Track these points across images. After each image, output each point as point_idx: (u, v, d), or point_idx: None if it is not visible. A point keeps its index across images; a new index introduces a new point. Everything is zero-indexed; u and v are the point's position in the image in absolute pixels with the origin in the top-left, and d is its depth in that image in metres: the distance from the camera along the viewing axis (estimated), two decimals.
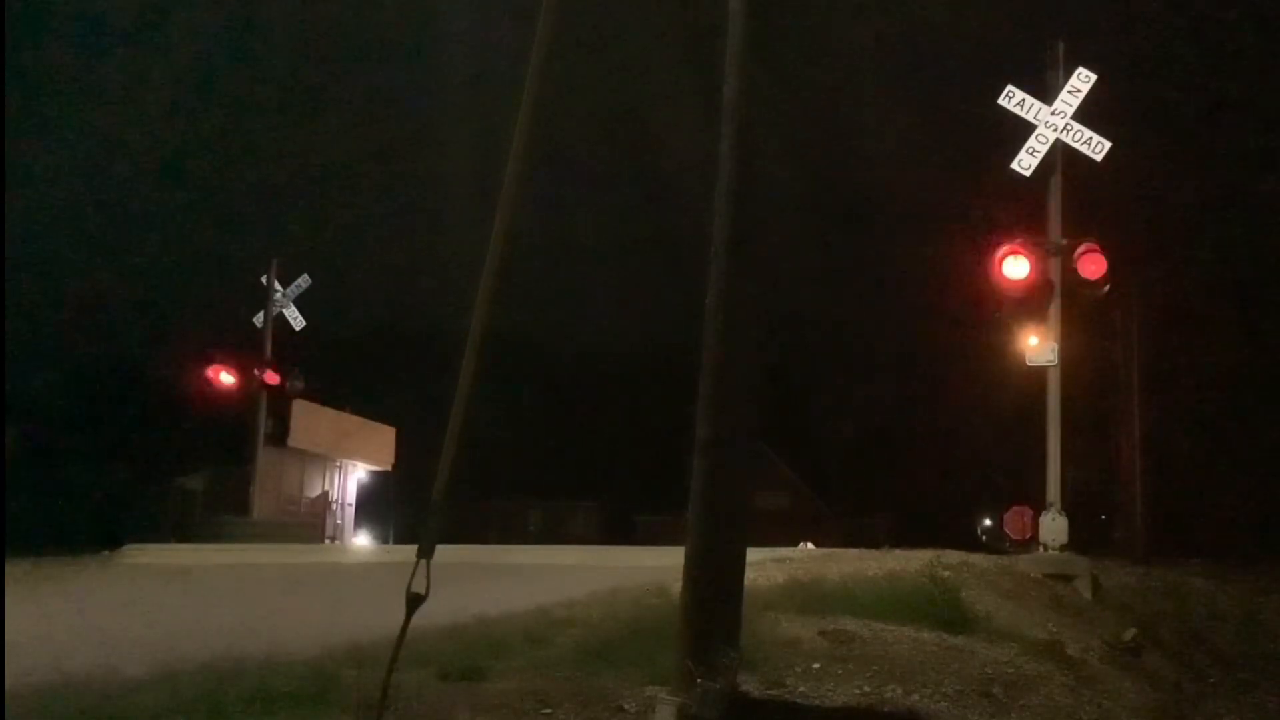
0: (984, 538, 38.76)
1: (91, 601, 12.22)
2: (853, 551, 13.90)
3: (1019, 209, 15.21)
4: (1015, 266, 13.80)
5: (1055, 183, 14.30)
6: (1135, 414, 20.11)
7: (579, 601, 8.90)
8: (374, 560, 19.10)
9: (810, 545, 16.71)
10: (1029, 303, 13.93)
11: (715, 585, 6.11)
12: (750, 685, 6.22)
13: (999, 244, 14.03)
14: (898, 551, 13.20)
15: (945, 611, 8.74)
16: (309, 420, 26.56)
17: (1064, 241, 14.03)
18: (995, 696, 6.94)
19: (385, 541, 35.43)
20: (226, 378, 24.67)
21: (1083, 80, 14.24)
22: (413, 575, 4.96)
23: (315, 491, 28.94)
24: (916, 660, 7.37)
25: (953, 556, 12.26)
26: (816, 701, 6.30)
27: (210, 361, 24.86)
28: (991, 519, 41.53)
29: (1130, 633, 11.10)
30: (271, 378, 24.64)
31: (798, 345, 44.05)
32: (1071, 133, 14.12)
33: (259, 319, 25.30)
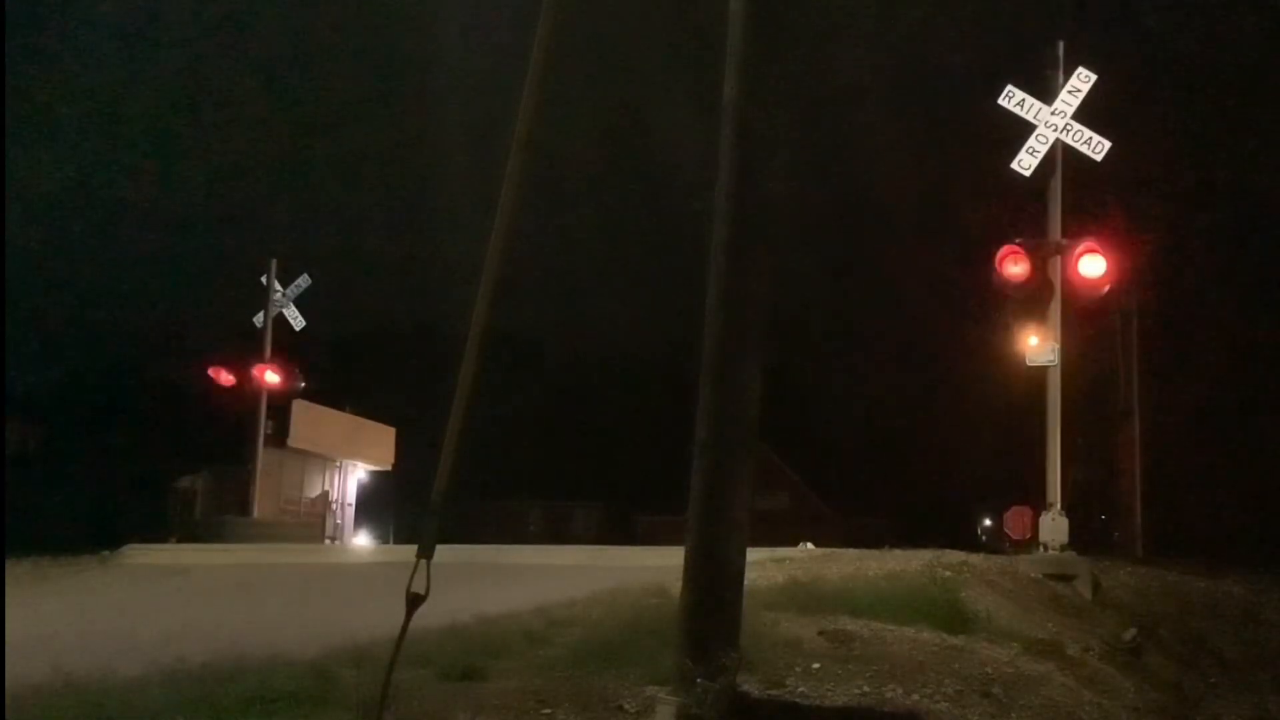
0: (984, 538, 38.71)
1: (91, 601, 12.23)
2: (853, 551, 13.88)
3: (1019, 209, 15.22)
4: (1015, 266, 13.80)
5: (1055, 183, 14.30)
6: (1135, 414, 20.12)
7: (579, 601, 8.89)
8: (374, 560, 19.10)
9: (810, 545, 16.67)
10: (1029, 303, 13.93)
11: (715, 585, 6.11)
12: (750, 685, 6.22)
13: (999, 244, 14.03)
14: (898, 551, 13.19)
15: (945, 611, 8.75)
16: (309, 420, 26.56)
17: (1064, 241, 14.03)
18: (995, 696, 6.94)
19: (385, 541, 35.41)
20: (226, 378, 24.67)
21: (1083, 80, 14.24)
22: (413, 575, 4.96)
23: (315, 491, 28.94)
24: (916, 660, 7.36)
25: (953, 556, 12.26)
26: (816, 701, 6.29)
27: (210, 361, 24.87)
28: (991, 519, 41.48)
29: (1130, 633, 11.09)
30: (271, 378, 24.65)
31: (798, 345, 44.07)
32: (1071, 133, 14.11)
33: (259, 319, 25.29)
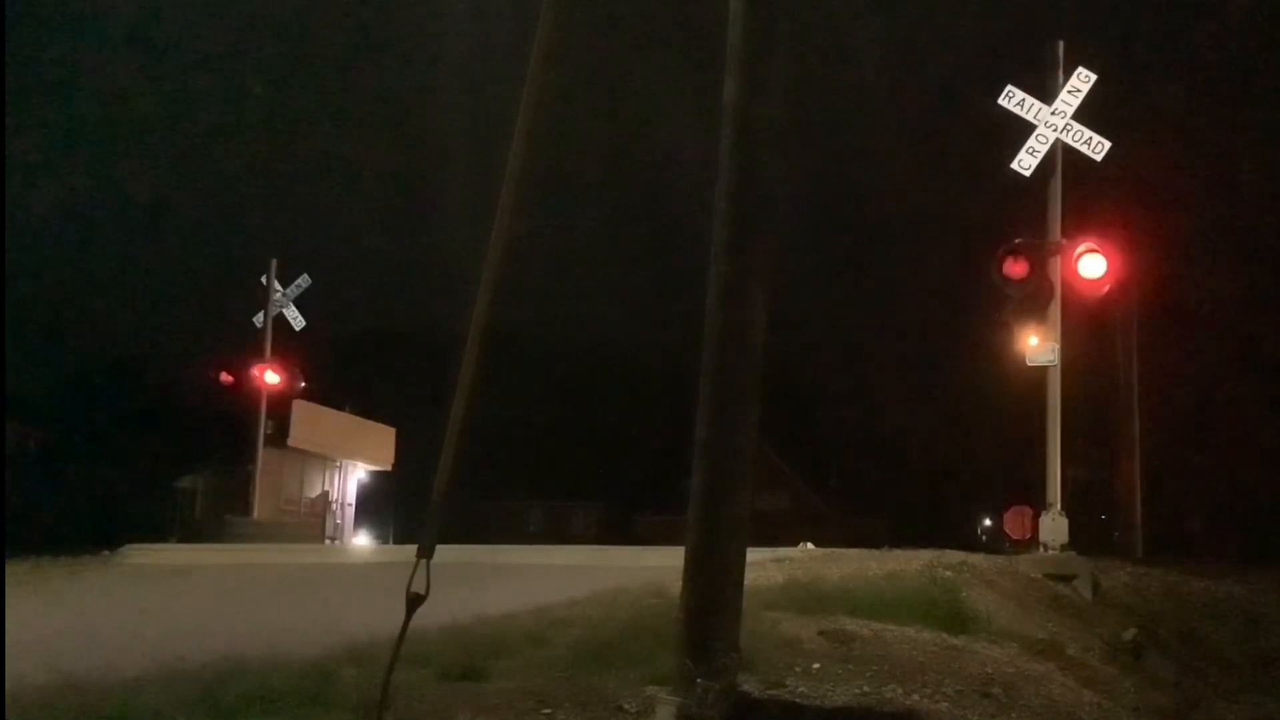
0: (984, 538, 38.78)
1: (91, 601, 12.22)
2: (853, 551, 13.87)
3: (1019, 209, 15.22)
4: (1015, 266, 13.81)
5: (1055, 183, 14.31)
6: (1134, 413, 20.12)
7: (579, 601, 8.88)
8: (374, 560, 19.09)
9: (810, 545, 16.67)
10: (1029, 302, 13.94)
11: (715, 585, 6.10)
12: (750, 685, 6.22)
13: (999, 244, 14.05)
14: (898, 551, 13.19)
15: (945, 611, 8.74)
16: (309, 420, 26.58)
17: (1064, 241, 14.04)
18: (995, 696, 6.94)
19: (385, 541, 35.42)
20: (226, 378, 24.70)
21: (1083, 80, 14.25)
22: (413, 575, 4.95)
23: (315, 491, 28.95)
24: (916, 660, 7.37)
25: (953, 556, 12.25)
26: (816, 701, 6.29)
27: (210, 361, 24.91)
28: (991, 519, 41.52)
29: (1130, 633, 11.10)
30: (271, 378, 24.67)
31: (798, 345, 44.09)
32: (1071, 133, 14.12)
33: (259, 319, 25.30)
